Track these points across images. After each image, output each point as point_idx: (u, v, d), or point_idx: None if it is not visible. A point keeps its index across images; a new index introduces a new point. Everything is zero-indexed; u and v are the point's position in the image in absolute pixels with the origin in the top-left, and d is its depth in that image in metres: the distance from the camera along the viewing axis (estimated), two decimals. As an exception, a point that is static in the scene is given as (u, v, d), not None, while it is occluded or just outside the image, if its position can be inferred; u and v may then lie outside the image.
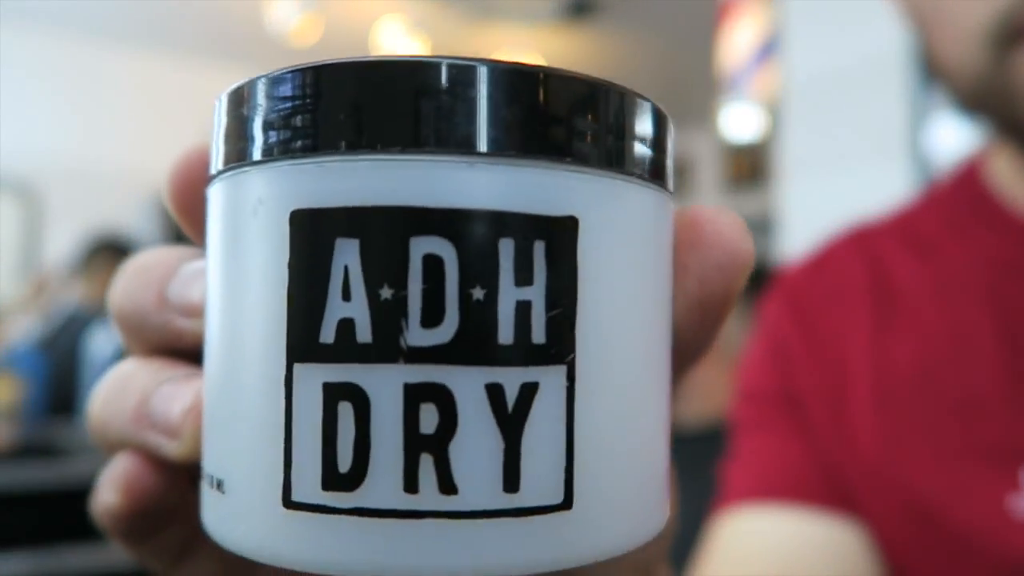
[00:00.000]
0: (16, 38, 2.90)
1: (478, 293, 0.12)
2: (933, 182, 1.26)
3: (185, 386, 0.16)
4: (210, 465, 0.15)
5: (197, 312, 0.16)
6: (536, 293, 0.13)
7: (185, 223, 0.17)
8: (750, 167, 3.85)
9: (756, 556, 0.40)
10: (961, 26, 0.38)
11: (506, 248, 0.12)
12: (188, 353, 0.17)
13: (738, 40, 2.00)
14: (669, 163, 0.15)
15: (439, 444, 0.12)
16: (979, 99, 0.40)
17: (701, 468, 0.95)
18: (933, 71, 0.43)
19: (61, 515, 1.58)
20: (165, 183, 0.17)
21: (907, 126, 1.34)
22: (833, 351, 0.43)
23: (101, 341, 2.06)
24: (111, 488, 0.17)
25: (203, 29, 2.95)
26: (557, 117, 0.13)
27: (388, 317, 0.12)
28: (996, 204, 0.43)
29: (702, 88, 3.08)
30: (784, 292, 0.48)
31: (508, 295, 0.13)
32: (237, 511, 0.14)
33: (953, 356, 0.41)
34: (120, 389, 0.17)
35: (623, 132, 0.14)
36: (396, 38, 2.64)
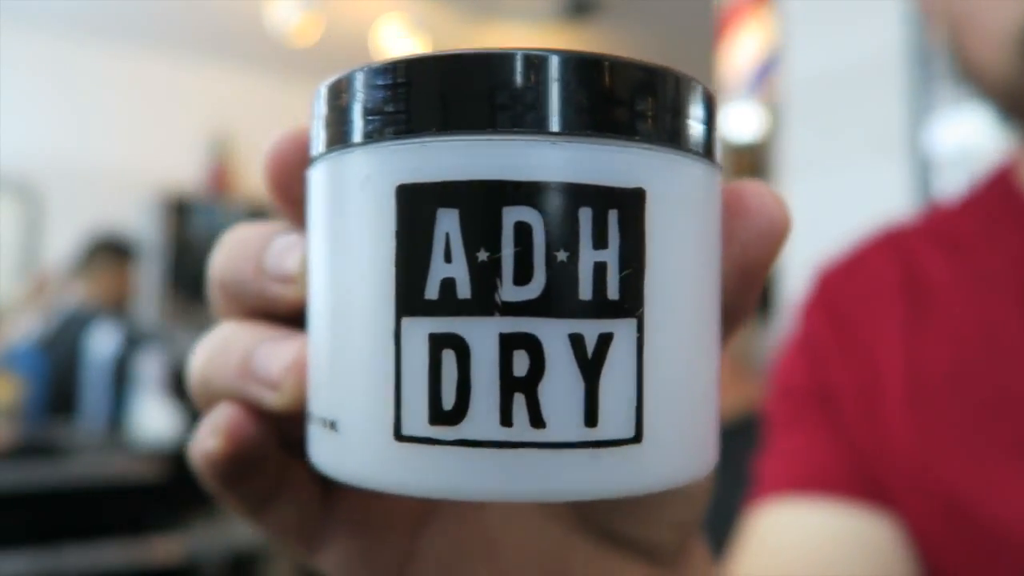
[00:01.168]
0: (16, 38, 2.90)
1: (562, 255, 0.14)
2: (932, 182, 1.26)
3: (284, 344, 0.18)
4: (321, 409, 0.16)
5: (291, 279, 0.18)
6: (611, 255, 0.14)
7: (280, 201, 0.19)
8: (750, 167, 3.84)
9: (788, 549, 0.41)
10: (990, 32, 0.39)
11: (585, 216, 0.14)
12: (280, 317, 0.18)
13: (741, 49, 1.99)
14: (718, 139, 0.17)
15: (530, 385, 0.14)
16: (1010, 103, 0.41)
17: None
18: (964, 75, 0.44)
19: (61, 515, 1.58)
20: (262, 167, 0.19)
21: (907, 126, 1.34)
22: (866, 349, 0.44)
23: (101, 341, 2.06)
24: (213, 433, 0.18)
25: (203, 29, 2.95)
26: (623, 100, 0.15)
27: (485, 277, 0.14)
28: None
29: (702, 88, 3.07)
30: (820, 292, 0.49)
31: (587, 257, 0.14)
32: (350, 446, 0.16)
33: (985, 354, 0.41)
34: (223, 348, 0.18)
35: (680, 112, 0.16)
36: (396, 38, 2.64)
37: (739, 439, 0.97)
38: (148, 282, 2.92)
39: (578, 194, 0.14)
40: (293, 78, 3.40)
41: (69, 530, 1.56)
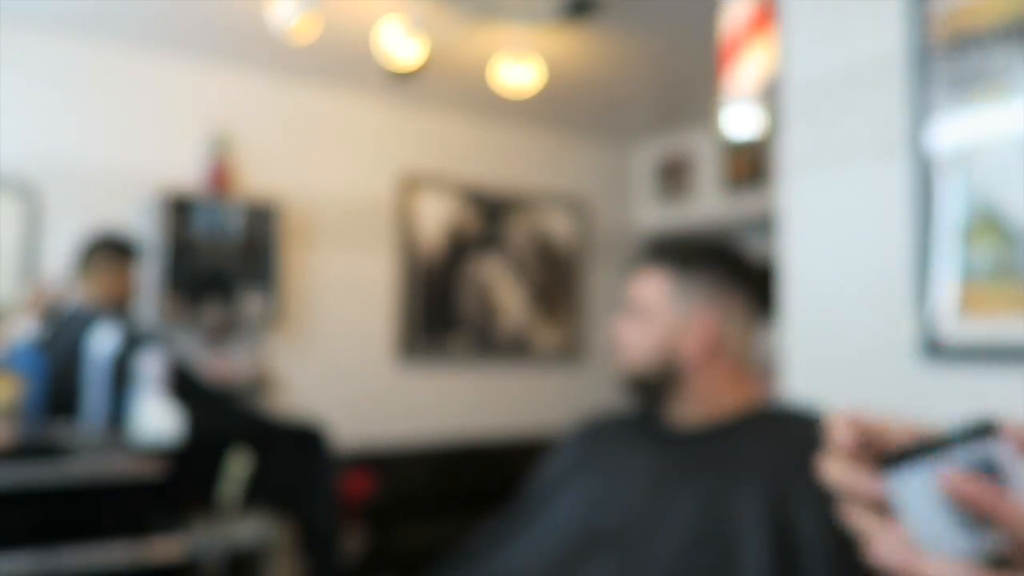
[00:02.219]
0: (16, 38, 2.90)
1: None
2: (932, 182, 1.26)
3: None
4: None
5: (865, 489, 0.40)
6: None
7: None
8: (750, 167, 3.85)
9: None
10: None
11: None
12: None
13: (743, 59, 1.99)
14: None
15: None
16: None
17: (699, 468, 0.95)
18: None
19: (61, 515, 1.58)
20: (835, 442, 0.41)
21: (907, 125, 1.34)
22: None
23: (101, 341, 2.06)
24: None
25: (203, 29, 2.95)
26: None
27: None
28: None
29: (702, 88, 3.07)
30: None
31: None
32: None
33: None
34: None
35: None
36: (396, 38, 2.64)
37: (739, 435, 0.97)
38: (148, 282, 2.92)
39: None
40: (293, 78, 3.40)
41: (69, 530, 1.56)
